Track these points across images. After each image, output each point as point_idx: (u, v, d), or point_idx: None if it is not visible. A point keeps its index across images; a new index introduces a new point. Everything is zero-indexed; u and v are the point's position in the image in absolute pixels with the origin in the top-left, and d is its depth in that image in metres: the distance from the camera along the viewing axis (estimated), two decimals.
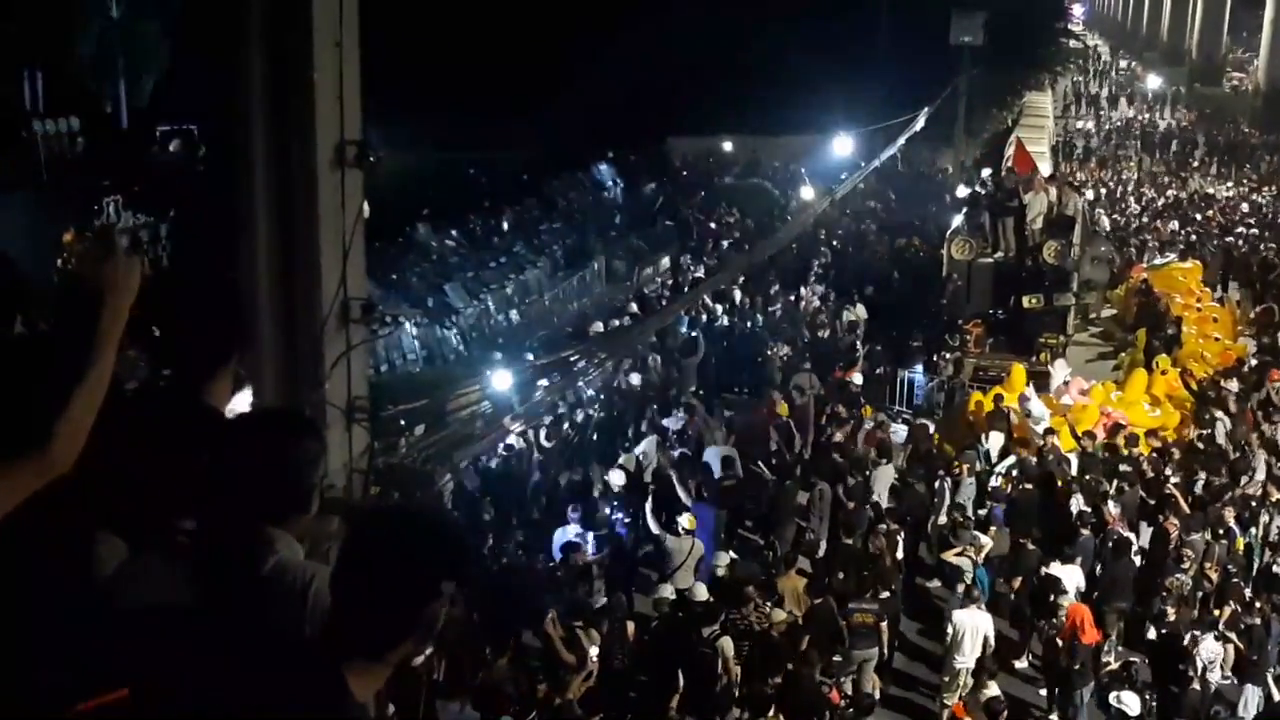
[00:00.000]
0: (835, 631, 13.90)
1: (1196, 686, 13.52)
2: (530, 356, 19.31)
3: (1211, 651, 14.01)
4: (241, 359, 3.87)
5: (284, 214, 7.08)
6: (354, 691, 2.60)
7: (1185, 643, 14.01)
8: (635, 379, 20.95)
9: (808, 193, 34.11)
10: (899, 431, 20.69)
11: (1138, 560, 15.82)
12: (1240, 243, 36.12)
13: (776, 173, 40.28)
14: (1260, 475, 18.33)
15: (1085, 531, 16.01)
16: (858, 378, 21.99)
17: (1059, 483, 17.35)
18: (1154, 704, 13.31)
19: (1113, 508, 16.46)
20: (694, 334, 23.31)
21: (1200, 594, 15.37)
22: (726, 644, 13.06)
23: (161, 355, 3.76)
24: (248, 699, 2.55)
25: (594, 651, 12.91)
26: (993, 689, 13.08)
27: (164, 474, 3.29)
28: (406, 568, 2.63)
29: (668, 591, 14.29)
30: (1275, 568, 16.05)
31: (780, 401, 20.24)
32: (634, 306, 25.34)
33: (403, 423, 9.87)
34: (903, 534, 16.41)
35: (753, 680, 12.73)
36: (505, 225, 31.35)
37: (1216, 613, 14.96)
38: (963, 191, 30.68)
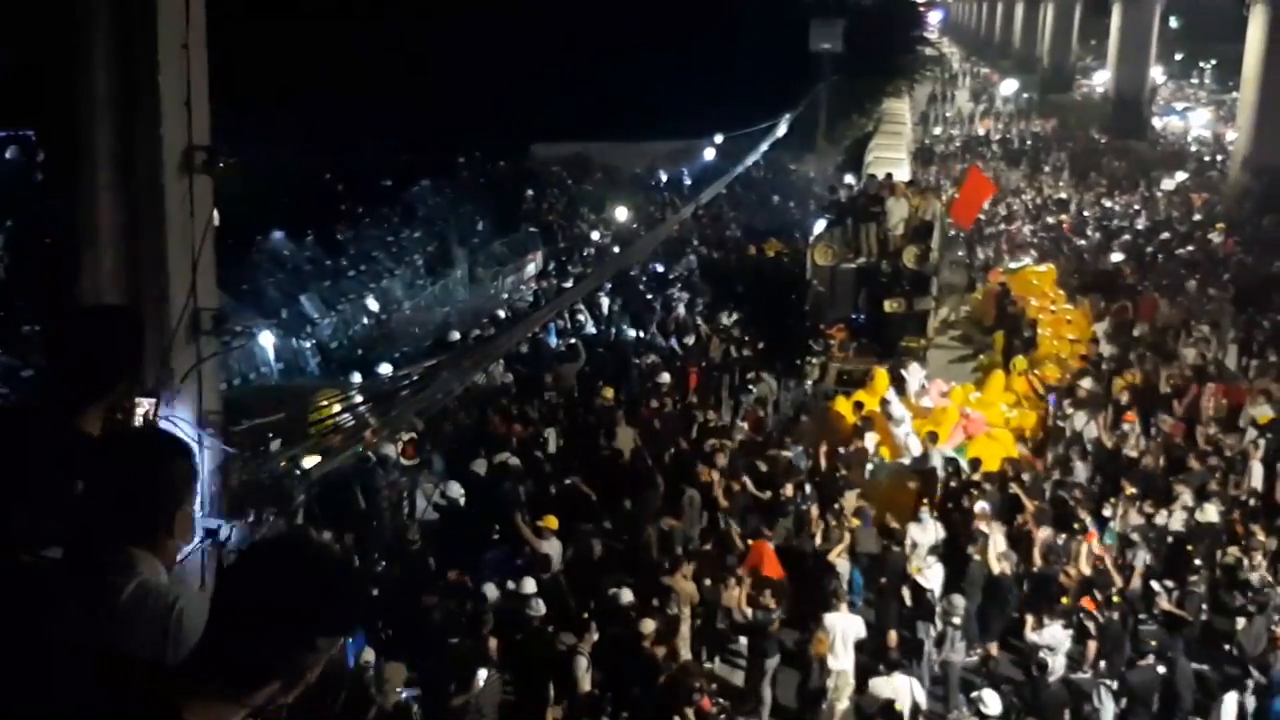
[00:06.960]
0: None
1: (1051, 682, 13.77)
2: (388, 368, 18.97)
3: (1055, 639, 14.24)
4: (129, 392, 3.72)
5: (130, 222, 6.89)
6: None
7: (1028, 631, 14.34)
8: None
9: (622, 213, 34.16)
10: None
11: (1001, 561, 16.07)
12: (1091, 246, 37.13)
13: (641, 178, 40.40)
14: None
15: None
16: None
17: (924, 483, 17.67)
18: (1015, 700, 13.53)
19: (980, 506, 16.71)
20: (573, 341, 23.15)
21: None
22: (580, 661, 12.88)
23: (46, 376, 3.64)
24: None
25: None
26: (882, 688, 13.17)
27: (29, 499, 3.14)
28: (283, 610, 2.42)
29: (539, 607, 14.00)
30: (1135, 563, 16.43)
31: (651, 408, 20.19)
32: (500, 314, 25.09)
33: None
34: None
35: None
36: (363, 233, 30.86)
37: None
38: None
